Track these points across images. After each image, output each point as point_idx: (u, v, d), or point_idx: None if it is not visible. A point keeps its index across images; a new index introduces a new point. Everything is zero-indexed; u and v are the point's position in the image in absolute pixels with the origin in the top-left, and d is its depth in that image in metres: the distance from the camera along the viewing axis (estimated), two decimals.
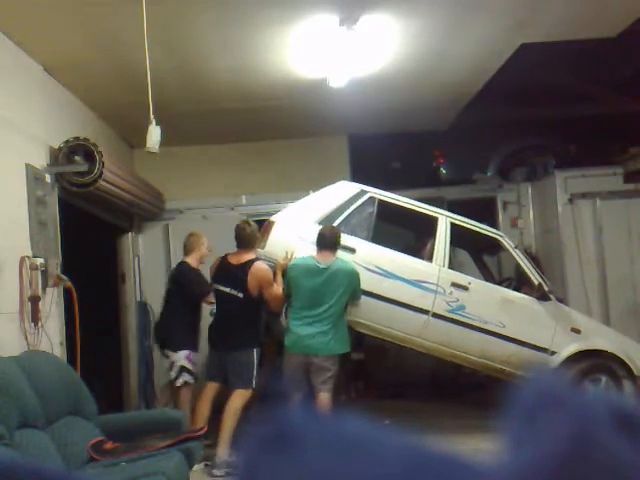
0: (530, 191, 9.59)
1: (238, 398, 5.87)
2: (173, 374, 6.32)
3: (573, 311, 7.29)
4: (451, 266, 6.93)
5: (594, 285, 8.71)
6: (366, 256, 6.34)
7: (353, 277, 6.04)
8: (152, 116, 4.89)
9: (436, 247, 6.67)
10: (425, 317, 6.47)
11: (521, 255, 7.07)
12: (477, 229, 7.04)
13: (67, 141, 5.88)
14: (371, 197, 6.63)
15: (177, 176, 8.75)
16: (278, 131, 8.66)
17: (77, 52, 5.70)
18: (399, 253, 6.65)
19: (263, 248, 6.22)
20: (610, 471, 0.51)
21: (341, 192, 6.64)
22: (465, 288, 6.61)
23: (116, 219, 7.85)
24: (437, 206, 7.14)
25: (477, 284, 6.83)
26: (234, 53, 6.00)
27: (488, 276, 7.95)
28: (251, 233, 6.12)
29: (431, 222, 6.77)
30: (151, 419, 5.31)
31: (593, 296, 8.70)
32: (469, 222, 6.99)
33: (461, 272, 7.11)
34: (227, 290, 6.08)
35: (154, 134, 4.91)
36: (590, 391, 0.65)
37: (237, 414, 5.82)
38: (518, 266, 7.02)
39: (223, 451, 5.72)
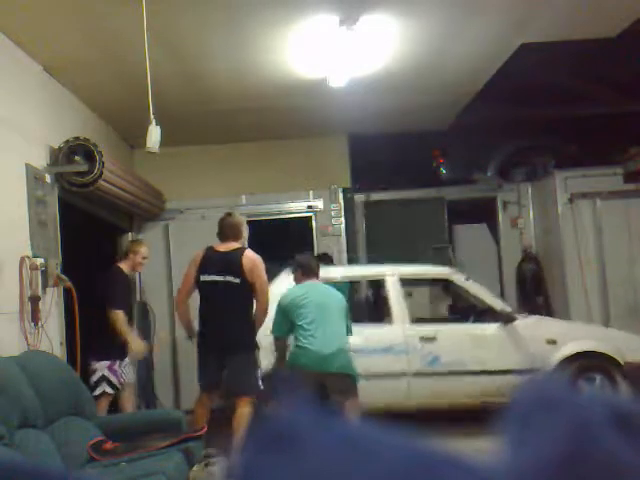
0: (530, 191, 9.61)
1: (249, 405, 5.48)
2: (92, 381, 5.89)
3: (543, 321, 7.30)
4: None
5: (594, 285, 8.72)
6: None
7: (342, 296, 5.91)
8: (152, 116, 4.89)
9: (392, 307, 6.67)
10: (405, 380, 6.47)
11: (475, 285, 7.03)
12: (426, 275, 7.25)
13: (67, 141, 5.88)
14: None
15: (177, 176, 8.75)
16: (278, 131, 8.65)
17: (77, 52, 5.70)
18: (359, 325, 6.54)
19: None
20: (610, 471, 0.51)
21: (284, 281, 6.53)
22: (433, 339, 6.62)
23: (116, 219, 7.84)
24: (381, 262, 7.19)
25: (444, 330, 6.83)
26: (234, 53, 5.99)
27: (461, 302, 7.84)
28: (239, 221, 5.82)
29: (380, 283, 6.81)
30: (151, 419, 5.31)
31: (593, 296, 8.71)
32: (416, 270, 7.14)
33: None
34: (220, 279, 5.57)
35: (154, 134, 4.91)
36: (589, 391, 0.65)
37: (248, 419, 5.56)
38: (476, 297, 6.99)
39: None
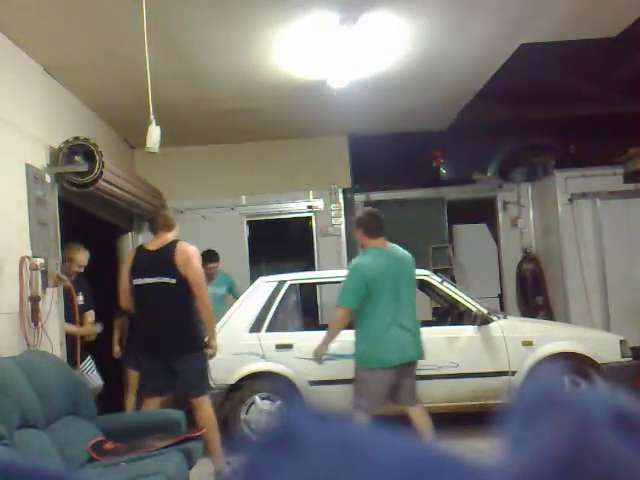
0: (530, 191, 9.61)
1: (208, 406, 5.24)
2: None
3: (518, 322, 7.17)
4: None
5: (594, 285, 8.71)
6: (305, 347, 5.95)
7: (410, 256, 5.37)
8: (152, 116, 4.89)
9: None
10: None
11: (451, 287, 6.92)
12: None
13: (67, 141, 5.87)
14: (291, 285, 6.64)
15: (177, 176, 8.76)
16: (278, 131, 8.66)
17: (77, 52, 5.70)
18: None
19: None
20: (610, 471, 0.51)
21: (261, 291, 6.55)
22: None
23: (116, 219, 7.84)
24: None
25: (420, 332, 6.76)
26: (234, 53, 5.99)
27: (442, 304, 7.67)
28: (169, 214, 5.42)
29: None
30: (151, 419, 5.29)
31: (593, 296, 8.71)
32: None
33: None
34: (154, 281, 5.12)
35: (154, 134, 4.91)
36: (590, 391, 0.65)
37: (214, 420, 5.29)
38: (452, 298, 6.85)
39: (219, 461, 5.22)
